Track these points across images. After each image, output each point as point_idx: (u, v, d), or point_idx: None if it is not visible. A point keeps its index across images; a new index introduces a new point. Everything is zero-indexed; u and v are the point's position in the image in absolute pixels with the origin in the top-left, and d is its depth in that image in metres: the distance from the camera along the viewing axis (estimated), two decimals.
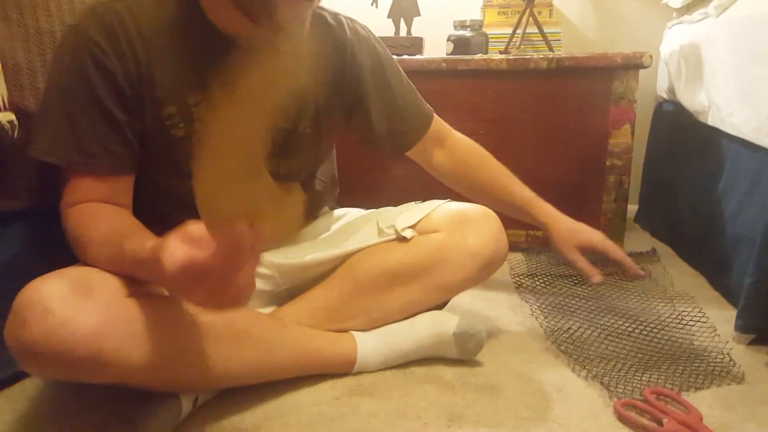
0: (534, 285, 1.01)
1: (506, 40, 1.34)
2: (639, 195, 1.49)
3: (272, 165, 0.70)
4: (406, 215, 0.77)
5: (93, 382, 0.55)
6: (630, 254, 1.13)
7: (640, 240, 1.31)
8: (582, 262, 0.81)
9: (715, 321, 0.82)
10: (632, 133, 1.15)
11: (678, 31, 1.28)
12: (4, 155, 0.67)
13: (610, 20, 1.52)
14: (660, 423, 0.60)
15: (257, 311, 0.72)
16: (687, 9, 1.28)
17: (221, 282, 0.45)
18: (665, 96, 1.35)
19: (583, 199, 1.18)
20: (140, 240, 0.54)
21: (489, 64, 1.17)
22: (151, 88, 0.61)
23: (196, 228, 0.45)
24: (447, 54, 1.32)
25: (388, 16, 1.41)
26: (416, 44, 1.33)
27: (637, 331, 0.80)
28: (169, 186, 0.66)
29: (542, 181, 1.21)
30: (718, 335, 0.79)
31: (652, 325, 0.81)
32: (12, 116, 0.68)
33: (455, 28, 1.34)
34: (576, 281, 0.96)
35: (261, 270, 0.75)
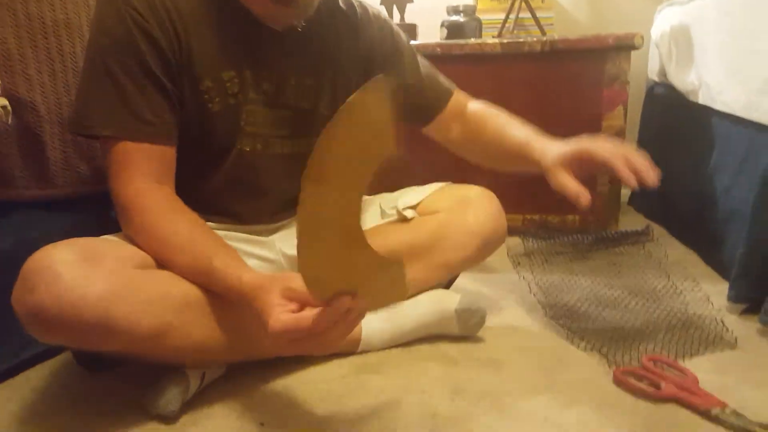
0: (531, 264, 1.02)
1: (499, 25, 1.35)
2: None
3: (292, 145, 0.71)
4: (408, 196, 0.79)
5: (101, 349, 0.56)
6: (624, 233, 1.16)
7: (635, 222, 1.33)
8: (569, 184, 0.65)
9: (709, 293, 0.85)
10: (625, 114, 1.16)
11: (668, 13, 1.30)
12: None
13: (601, 5, 1.53)
14: (658, 387, 0.62)
15: None
16: None
17: (317, 341, 0.49)
18: (657, 78, 1.37)
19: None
20: (231, 262, 0.57)
21: (483, 48, 1.18)
22: (190, 61, 0.62)
23: (299, 285, 0.47)
24: (441, 40, 1.33)
25: (381, 3, 1.41)
26: (410, 31, 1.33)
27: (633, 302, 0.82)
28: (198, 160, 0.67)
29: None
30: (712, 303, 0.81)
31: (647, 296, 0.83)
32: (5, 102, 0.67)
33: (448, 13, 1.35)
34: (571, 257, 0.98)
35: (267, 254, 0.75)
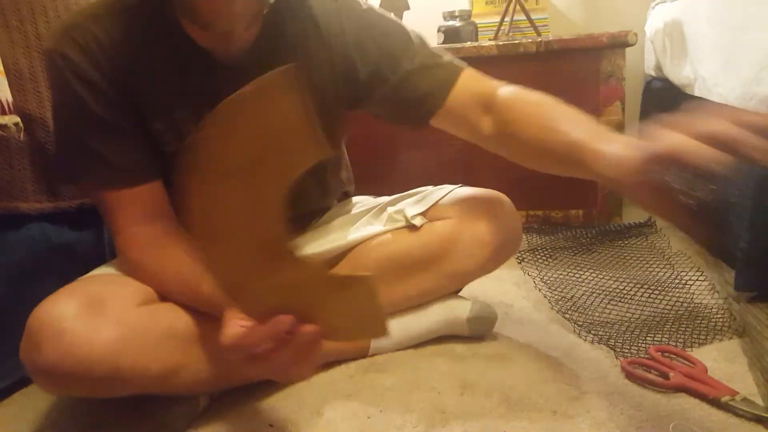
0: (536, 259, 1.03)
1: (495, 28, 1.37)
2: None
3: None
4: (416, 202, 0.75)
5: (113, 396, 0.55)
6: (628, 226, 1.16)
7: (638, 215, 1.33)
8: (666, 214, 0.44)
9: (715, 283, 0.84)
10: (623, 109, 1.17)
11: (661, 9, 1.31)
12: (10, 157, 0.69)
13: (594, 3, 1.55)
14: (666, 377, 0.62)
15: None
16: None
17: (269, 364, 0.46)
18: (653, 74, 1.38)
19: (579, 178, 1.20)
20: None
21: (480, 51, 1.20)
22: (136, 100, 0.59)
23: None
24: (438, 44, 1.35)
25: None
26: None
27: (639, 294, 0.82)
28: (169, 193, 0.64)
29: None
30: (718, 292, 0.81)
31: (653, 287, 0.83)
32: (17, 119, 0.70)
33: (445, 18, 1.37)
34: (576, 252, 0.98)
35: None
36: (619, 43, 1.14)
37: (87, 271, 0.63)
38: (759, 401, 0.56)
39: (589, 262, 0.96)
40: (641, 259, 0.96)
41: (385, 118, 0.74)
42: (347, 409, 0.62)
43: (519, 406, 0.60)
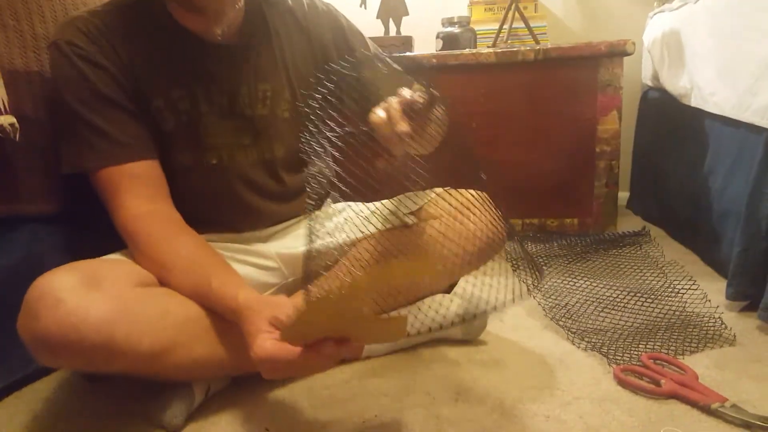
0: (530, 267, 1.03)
1: (493, 35, 1.38)
2: (630, 181, 1.53)
3: (257, 152, 0.73)
4: (408, 202, 0.79)
5: (106, 371, 0.57)
6: (622, 235, 1.17)
7: (633, 224, 1.34)
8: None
9: (708, 292, 0.85)
10: (620, 119, 1.18)
11: (659, 19, 1.33)
12: (6, 158, 0.69)
13: (593, 12, 1.56)
14: (658, 384, 0.63)
15: None
16: None
17: (298, 371, 0.51)
18: (650, 83, 1.39)
19: (575, 186, 1.22)
20: (228, 281, 0.59)
21: (478, 58, 1.21)
22: (138, 81, 0.65)
23: (285, 315, 0.50)
24: (437, 51, 1.36)
25: (377, 17, 1.44)
26: (406, 43, 1.36)
27: (632, 302, 0.83)
28: (168, 176, 0.68)
29: (535, 170, 1.25)
30: (709, 301, 0.82)
31: (646, 296, 0.84)
32: (13, 119, 0.69)
33: (443, 25, 1.38)
34: (570, 260, 0.99)
35: (267, 263, 0.77)
36: (617, 52, 1.15)
37: None
38: (748, 408, 0.57)
39: (583, 270, 0.97)
40: (635, 267, 0.97)
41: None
42: (343, 413, 0.62)
43: (513, 411, 0.61)
